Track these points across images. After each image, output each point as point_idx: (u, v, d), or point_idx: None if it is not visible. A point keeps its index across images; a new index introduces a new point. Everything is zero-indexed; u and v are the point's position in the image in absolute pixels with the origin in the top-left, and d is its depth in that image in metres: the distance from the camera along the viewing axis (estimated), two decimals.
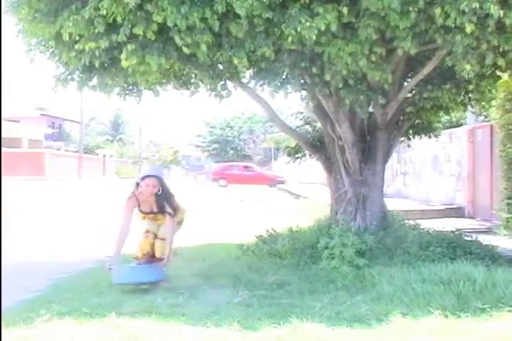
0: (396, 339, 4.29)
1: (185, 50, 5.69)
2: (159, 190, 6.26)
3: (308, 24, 5.38)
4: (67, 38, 5.90)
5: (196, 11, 5.46)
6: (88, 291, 6.00)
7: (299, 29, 5.41)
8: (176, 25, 5.49)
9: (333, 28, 5.46)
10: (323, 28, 5.41)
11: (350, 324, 4.61)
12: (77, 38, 5.93)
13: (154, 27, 5.64)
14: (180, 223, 6.51)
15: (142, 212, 6.40)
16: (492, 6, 5.08)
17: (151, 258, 6.35)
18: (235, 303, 5.28)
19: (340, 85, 6.37)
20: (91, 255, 8.76)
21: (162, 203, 6.29)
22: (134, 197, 6.31)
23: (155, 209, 6.35)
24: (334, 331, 4.43)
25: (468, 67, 5.66)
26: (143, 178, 6.33)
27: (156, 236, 6.33)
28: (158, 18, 5.50)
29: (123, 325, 4.60)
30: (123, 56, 5.77)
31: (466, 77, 5.93)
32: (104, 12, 5.53)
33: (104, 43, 5.81)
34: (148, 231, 6.34)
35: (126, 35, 5.66)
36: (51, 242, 10.29)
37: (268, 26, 5.66)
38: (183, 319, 4.77)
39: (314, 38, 5.45)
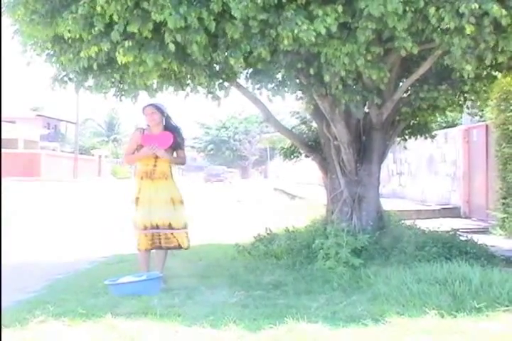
0: (392, 339, 4.29)
1: (171, 47, 5.66)
2: (163, 121, 6.34)
3: (305, 27, 5.36)
4: (69, 35, 5.86)
5: (194, 10, 5.45)
6: (84, 292, 5.98)
7: (296, 31, 5.39)
8: (174, 25, 5.48)
9: (334, 30, 5.45)
10: (323, 31, 5.39)
11: (346, 324, 4.60)
12: (77, 36, 5.89)
13: (150, 25, 5.64)
14: None
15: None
16: (494, 6, 5.05)
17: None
18: (231, 304, 5.27)
19: (340, 87, 6.36)
20: (87, 255, 8.76)
21: (168, 132, 6.30)
22: (141, 129, 6.40)
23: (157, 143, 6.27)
24: (330, 331, 4.43)
25: (468, 67, 5.63)
26: (142, 111, 6.39)
27: (167, 226, 6.18)
28: (157, 17, 5.48)
29: (119, 325, 4.59)
30: (120, 52, 5.75)
31: (467, 76, 5.89)
32: (100, 9, 5.50)
33: (105, 45, 5.79)
34: (146, 228, 6.16)
35: (120, 33, 5.64)
36: (48, 242, 10.28)
37: (264, 28, 5.64)
38: (179, 319, 4.75)
39: (313, 40, 5.44)
